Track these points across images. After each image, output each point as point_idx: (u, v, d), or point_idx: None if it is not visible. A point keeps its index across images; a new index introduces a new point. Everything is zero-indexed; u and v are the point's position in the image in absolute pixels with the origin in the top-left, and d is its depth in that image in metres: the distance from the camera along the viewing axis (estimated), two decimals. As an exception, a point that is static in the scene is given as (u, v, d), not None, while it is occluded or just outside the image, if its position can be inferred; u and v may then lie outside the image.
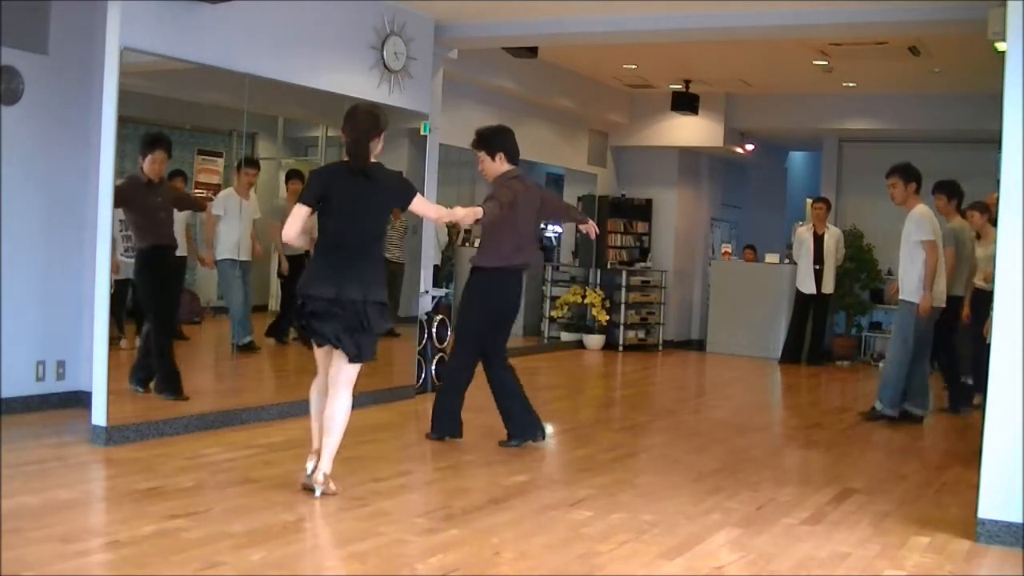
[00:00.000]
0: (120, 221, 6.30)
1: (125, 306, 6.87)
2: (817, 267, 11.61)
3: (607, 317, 12.49)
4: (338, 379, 4.92)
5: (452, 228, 11.86)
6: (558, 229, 14.05)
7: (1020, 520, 4.53)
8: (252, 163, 7.51)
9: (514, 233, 6.25)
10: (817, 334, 11.88)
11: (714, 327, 12.98)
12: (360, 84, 7.49)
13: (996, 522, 4.58)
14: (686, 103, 12.14)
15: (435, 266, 9.57)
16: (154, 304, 6.52)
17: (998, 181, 4.68)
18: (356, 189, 4.86)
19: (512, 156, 6.32)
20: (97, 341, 5.86)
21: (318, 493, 4.83)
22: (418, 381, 8.27)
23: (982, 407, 4.75)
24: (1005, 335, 4.61)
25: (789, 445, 7.34)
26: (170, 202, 6.68)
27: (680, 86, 12.11)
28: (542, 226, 11.35)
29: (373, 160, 4.95)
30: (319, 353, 5.01)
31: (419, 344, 8.33)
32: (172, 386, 6.42)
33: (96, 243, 5.93)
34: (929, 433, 7.77)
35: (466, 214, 5.66)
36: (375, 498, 4.93)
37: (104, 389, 5.78)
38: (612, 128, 13.44)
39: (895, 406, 7.85)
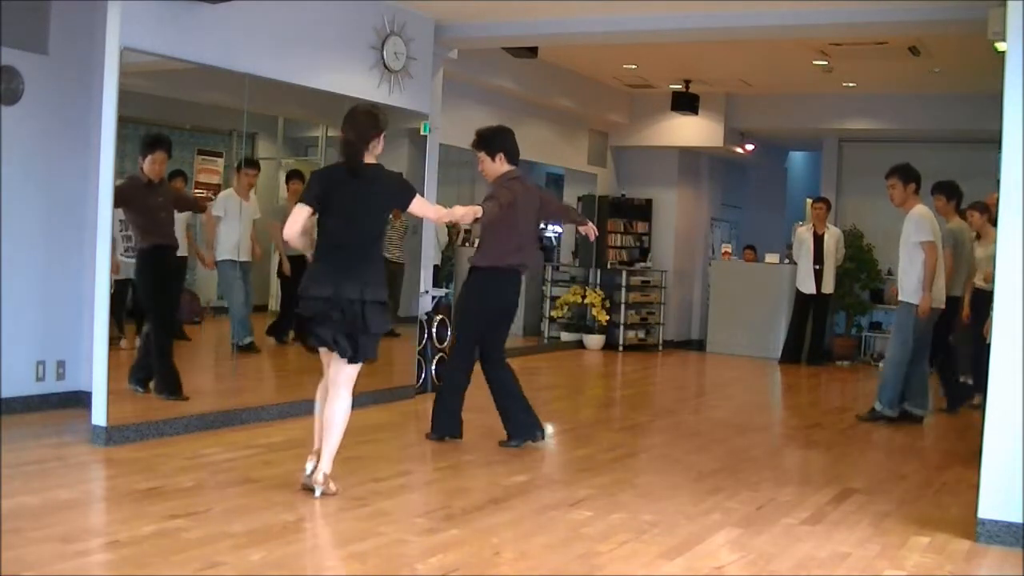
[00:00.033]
0: (120, 221, 6.31)
1: (125, 306, 6.88)
2: (817, 267, 11.61)
3: (607, 317, 12.49)
4: (337, 380, 4.93)
5: (452, 228, 11.86)
6: (558, 229, 14.05)
7: (1020, 520, 4.53)
8: (252, 164, 7.52)
9: (514, 233, 6.25)
10: (817, 334, 11.88)
11: (714, 327, 12.98)
12: (360, 84, 7.49)
13: (996, 522, 4.58)
14: (686, 103, 12.15)
15: (435, 266, 9.57)
16: (154, 304, 6.52)
17: (998, 181, 4.68)
18: (356, 190, 4.87)
19: (512, 157, 6.32)
20: (97, 341, 5.86)
21: (318, 493, 4.83)
22: (418, 381, 8.27)
23: (982, 407, 4.76)
24: (1005, 335, 4.61)
25: (789, 445, 7.34)
26: (170, 202, 6.68)
27: (680, 86, 12.11)
28: (542, 226, 11.34)
29: (373, 161, 4.96)
30: (323, 354, 5.01)
31: (419, 344, 8.33)
32: (171, 386, 6.42)
33: (96, 243, 5.93)
34: (929, 433, 7.78)
35: (465, 213, 5.66)
36: (375, 498, 4.93)
37: (104, 389, 5.78)
38: (612, 128, 13.44)
39: (894, 407, 7.85)
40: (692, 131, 13.10)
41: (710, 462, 6.22)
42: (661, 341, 13.30)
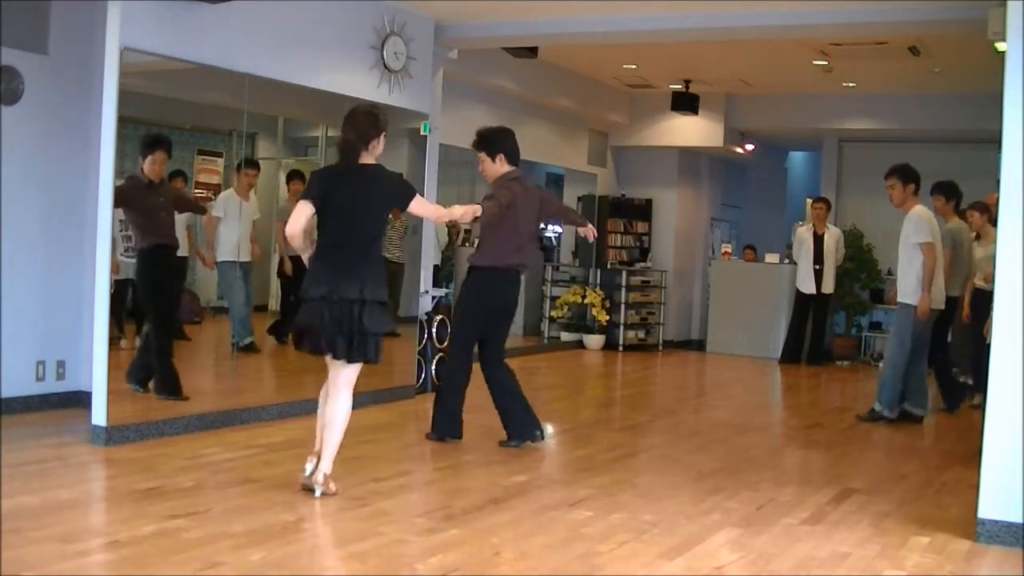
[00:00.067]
0: (120, 221, 6.31)
1: (125, 306, 6.88)
2: (817, 267, 11.61)
3: (607, 317, 12.49)
4: (337, 381, 4.93)
5: (452, 228, 11.86)
6: (558, 229, 14.05)
7: (1020, 520, 4.53)
8: (252, 164, 7.52)
9: (514, 233, 6.25)
10: (817, 334, 11.88)
11: (714, 327, 12.98)
12: (360, 84, 7.49)
13: (996, 522, 4.58)
14: (686, 103, 12.14)
15: (435, 266, 9.57)
16: (154, 304, 6.52)
17: (998, 181, 4.68)
18: (355, 190, 4.87)
19: (512, 157, 6.32)
20: (97, 341, 5.86)
21: (318, 493, 4.83)
22: (418, 381, 8.27)
23: (982, 407, 4.76)
24: (1005, 335, 4.61)
25: (789, 445, 7.34)
26: (171, 203, 6.68)
27: (680, 86, 12.11)
28: (542, 227, 11.34)
29: (373, 161, 4.96)
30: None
31: (419, 344, 8.33)
32: (171, 386, 6.42)
33: (96, 243, 5.93)
34: (929, 433, 7.78)
35: (464, 212, 5.66)
36: (375, 498, 4.93)
37: (104, 389, 5.78)
38: (612, 128, 13.44)
39: (893, 408, 7.85)
40: (692, 131, 13.10)
41: (710, 462, 6.22)
42: (661, 341, 13.30)
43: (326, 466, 4.85)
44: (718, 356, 12.57)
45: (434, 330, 8.41)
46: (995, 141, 4.72)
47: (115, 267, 6.14)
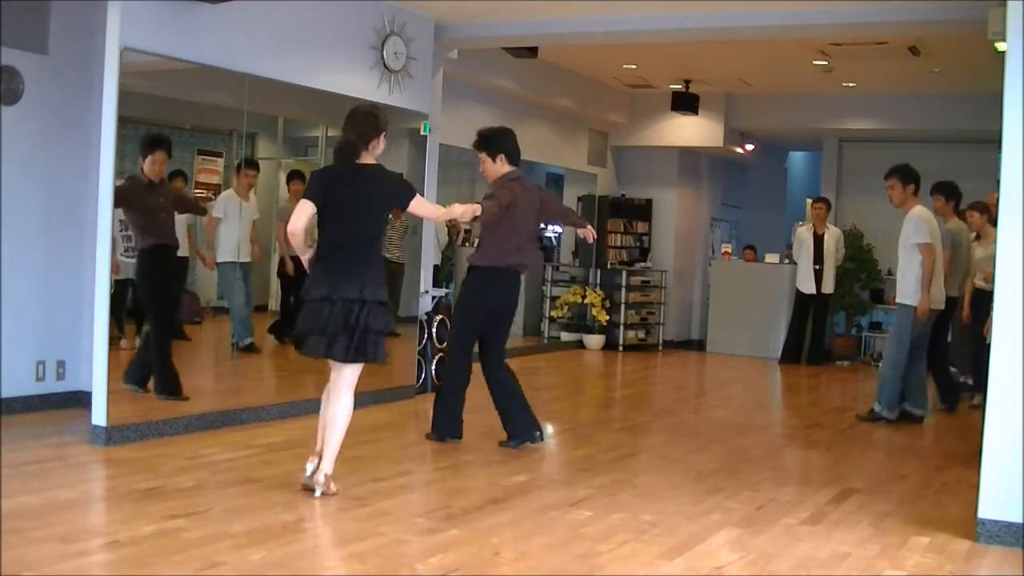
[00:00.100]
0: (120, 221, 6.31)
1: (125, 306, 6.88)
2: (817, 267, 11.61)
3: (607, 317, 12.49)
4: (339, 382, 4.94)
5: (452, 228, 11.86)
6: (558, 229, 14.05)
7: (1020, 520, 4.53)
8: (252, 164, 7.52)
9: (514, 234, 6.25)
10: (817, 334, 11.88)
11: (714, 327, 12.98)
12: (360, 84, 7.49)
13: (996, 522, 4.58)
14: (686, 103, 12.14)
15: (435, 266, 9.57)
16: (154, 304, 6.52)
17: (998, 181, 4.68)
18: (355, 190, 4.87)
19: (513, 158, 6.32)
20: (97, 341, 5.86)
21: (318, 493, 4.83)
22: (418, 381, 8.27)
23: (982, 407, 4.76)
24: (1005, 335, 4.61)
25: (789, 445, 7.34)
26: (171, 203, 6.68)
27: (680, 86, 12.11)
28: (542, 227, 11.35)
29: (373, 161, 4.96)
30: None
31: (419, 344, 8.33)
32: (171, 387, 6.42)
33: (96, 243, 5.93)
34: (929, 433, 7.78)
35: (464, 211, 5.65)
36: (375, 498, 4.93)
37: (104, 389, 5.78)
38: (612, 128, 13.44)
39: (893, 408, 7.85)
40: (692, 131, 13.10)
41: (710, 462, 6.22)
42: (661, 341, 13.30)
43: (327, 466, 4.86)
44: (718, 356, 12.57)
45: (434, 330, 8.41)
46: (995, 141, 4.72)
47: (115, 267, 6.14)
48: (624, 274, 12.80)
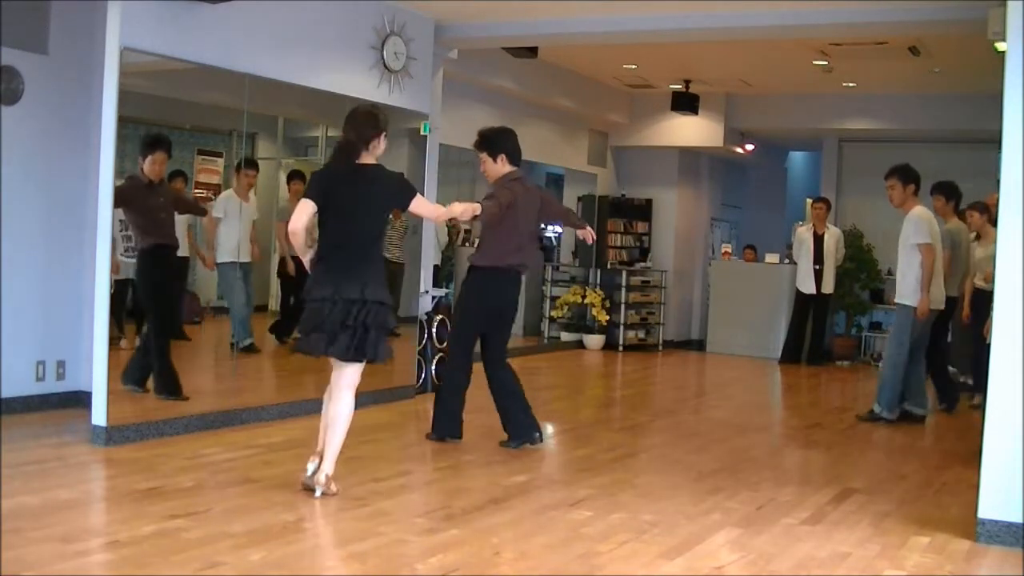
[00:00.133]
0: (120, 221, 6.31)
1: (125, 306, 6.88)
2: (817, 267, 11.61)
3: (607, 317, 12.49)
4: (339, 382, 4.94)
5: (452, 228, 11.86)
6: (558, 229, 14.06)
7: (1020, 520, 4.53)
8: (251, 164, 7.52)
9: (514, 233, 6.25)
10: (817, 334, 11.88)
11: (714, 327, 12.98)
12: (360, 84, 7.49)
13: (996, 522, 4.58)
14: (686, 103, 12.15)
15: (435, 266, 9.57)
16: (154, 304, 6.52)
17: (998, 181, 4.68)
18: (356, 190, 4.87)
19: (514, 158, 6.32)
20: (97, 341, 5.86)
21: (318, 493, 4.83)
22: (418, 381, 8.27)
23: (982, 407, 4.76)
24: (1005, 335, 4.61)
25: (789, 445, 7.34)
26: (171, 203, 6.68)
27: (680, 86, 12.11)
28: (542, 227, 11.36)
29: (374, 161, 4.96)
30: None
31: (419, 344, 8.33)
32: (171, 387, 6.42)
33: (96, 243, 5.93)
34: (929, 433, 7.78)
35: (464, 209, 5.64)
36: (375, 498, 4.93)
37: (104, 389, 5.78)
38: (612, 128, 13.44)
39: (893, 409, 7.85)
40: (692, 131, 13.10)
41: (710, 462, 6.22)
42: (661, 341, 13.30)
43: (328, 467, 4.86)
44: (718, 356, 12.57)
45: (434, 330, 8.41)
46: (995, 141, 4.72)
47: (115, 267, 6.14)
48: (624, 274, 12.80)
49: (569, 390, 9.86)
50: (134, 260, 6.52)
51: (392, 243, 8.65)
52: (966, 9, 6.75)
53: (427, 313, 8.49)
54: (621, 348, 12.63)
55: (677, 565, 4.14)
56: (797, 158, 16.52)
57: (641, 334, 13.00)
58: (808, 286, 11.65)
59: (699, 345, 13.54)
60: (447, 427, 6.35)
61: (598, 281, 12.92)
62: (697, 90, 12.17)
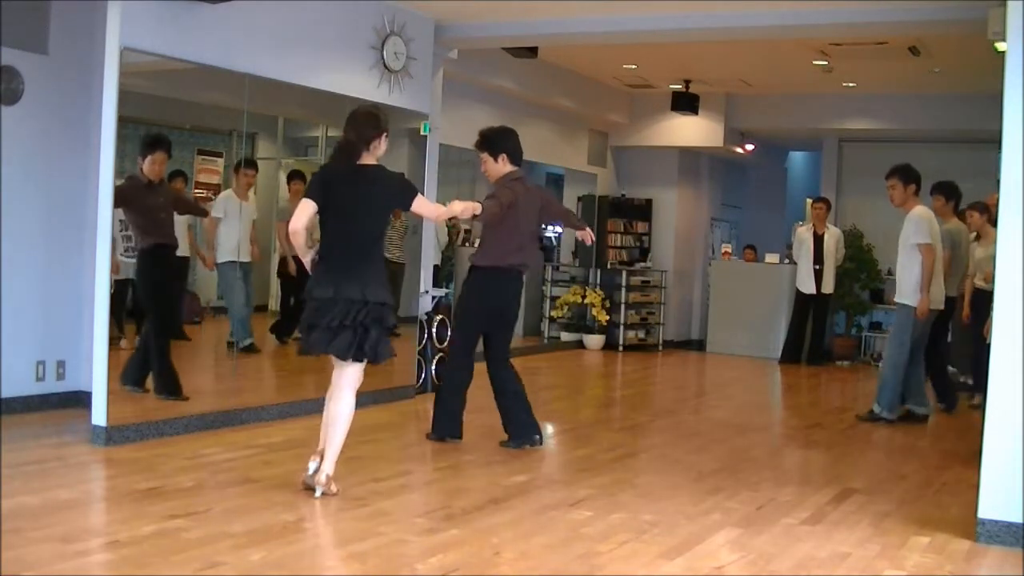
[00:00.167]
0: (120, 221, 6.31)
1: (125, 306, 6.88)
2: (817, 267, 11.61)
3: (607, 317, 12.49)
4: (340, 382, 4.94)
5: (452, 228, 11.86)
6: (558, 230, 14.06)
7: (1020, 520, 4.53)
8: (250, 164, 7.52)
9: (515, 233, 6.25)
10: (817, 334, 11.88)
11: (714, 327, 12.98)
12: (360, 84, 7.49)
13: (996, 522, 4.58)
14: (686, 103, 12.15)
15: (435, 266, 9.57)
16: (154, 304, 6.51)
17: (998, 181, 4.68)
18: (356, 190, 4.87)
19: (515, 158, 6.32)
20: (97, 341, 5.86)
21: (318, 493, 4.83)
22: (418, 381, 8.27)
23: (982, 407, 4.76)
24: (1005, 335, 4.61)
25: (789, 445, 7.34)
26: (170, 203, 6.68)
27: (680, 86, 12.11)
28: (542, 227, 11.37)
29: (375, 161, 4.97)
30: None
31: (419, 344, 8.33)
32: (171, 387, 6.42)
33: (96, 243, 5.93)
34: (929, 433, 7.77)
35: (464, 208, 5.63)
36: (375, 498, 4.93)
37: (104, 389, 5.78)
38: (612, 128, 13.44)
39: (893, 409, 7.84)
40: (692, 131, 13.10)
41: (710, 462, 6.22)
42: (661, 341, 13.30)
43: (328, 467, 4.86)
44: (718, 356, 12.57)
45: (434, 330, 8.41)
46: (995, 141, 4.72)
47: (115, 267, 6.14)
48: (624, 274, 12.80)
49: (569, 390, 9.87)
50: (134, 260, 6.52)
51: (392, 243, 8.65)
52: (966, 9, 6.75)
53: (427, 313, 8.49)
54: (621, 348, 12.63)
55: (677, 565, 4.14)
56: (797, 158, 16.52)
57: (641, 334, 13.00)
58: (808, 286, 11.65)
59: (699, 345, 13.54)
60: (447, 427, 6.35)
61: (598, 281, 12.92)
62: (697, 90, 12.17)
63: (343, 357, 4.87)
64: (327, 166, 5.11)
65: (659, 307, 13.26)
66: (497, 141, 6.30)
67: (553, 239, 14.23)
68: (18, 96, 6.37)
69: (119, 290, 6.65)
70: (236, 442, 6.06)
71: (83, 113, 6.71)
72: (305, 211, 4.84)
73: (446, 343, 8.34)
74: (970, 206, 8.68)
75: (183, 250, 7.02)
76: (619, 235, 13.60)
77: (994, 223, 5.05)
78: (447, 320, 8.51)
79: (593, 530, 4.57)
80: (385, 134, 4.96)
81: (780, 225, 15.09)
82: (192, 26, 6.10)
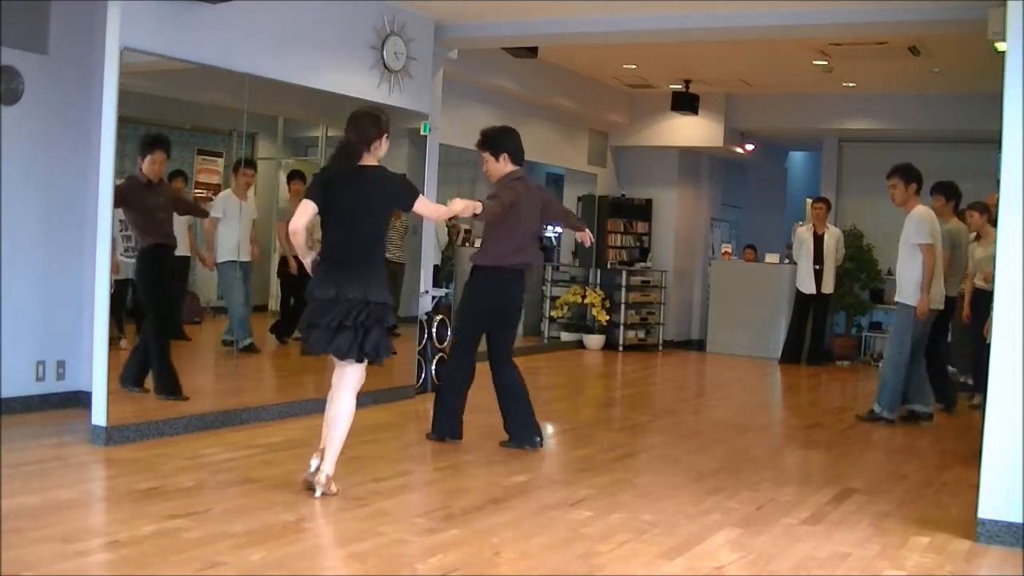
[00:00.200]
0: (120, 221, 6.31)
1: (125, 306, 6.88)
2: (817, 267, 11.61)
3: (607, 317, 12.50)
4: (340, 382, 4.94)
5: (452, 228, 11.86)
6: (558, 229, 14.06)
7: (1020, 520, 4.53)
8: (249, 164, 7.52)
9: (517, 233, 6.25)
10: (817, 334, 11.88)
11: (714, 327, 12.98)
12: (360, 84, 7.49)
13: (996, 522, 4.58)
14: (686, 103, 12.15)
15: (435, 266, 9.57)
16: (154, 304, 6.51)
17: (998, 181, 4.68)
18: (357, 191, 4.87)
19: (516, 157, 6.31)
20: (97, 341, 5.86)
21: (318, 493, 4.83)
22: (418, 381, 8.27)
23: (982, 407, 4.76)
24: (1005, 335, 4.61)
25: (789, 445, 7.34)
26: (170, 203, 6.68)
27: (680, 86, 12.11)
28: (543, 226, 11.36)
29: (376, 162, 4.97)
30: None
31: (419, 344, 8.33)
32: (171, 387, 6.42)
33: (96, 243, 5.93)
34: (929, 433, 7.76)
35: (465, 206, 5.63)
36: (375, 498, 4.93)
37: (104, 389, 5.78)
38: (612, 128, 13.44)
39: (893, 409, 7.84)
40: (692, 131, 13.10)
41: (710, 462, 6.22)
42: (661, 341, 13.30)
43: (328, 467, 4.86)
44: (718, 356, 12.57)
45: (434, 330, 8.41)
46: (995, 141, 4.72)
47: (115, 267, 6.14)
48: (624, 274, 12.80)
49: (569, 390, 9.86)
50: (134, 260, 6.52)
51: (392, 243, 8.64)
52: (966, 9, 6.75)
53: (427, 313, 8.49)
54: (621, 348, 12.63)
55: (677, 565, 4.14)
56: (797, 158, 16.52)
57: (641, 334, 13.00)
58: (808, 286, 11.65)
59: (699, 345, 13.55)
60: (447, 427, 6.35)
61: (598, 281, 12.93)
62: (697, 90, 12.17)
63: (343, 357, 4.87)
64: (328, 167, 5.11)
65: (659, 307, 13.27)
66: (499, 141, 6.30)
67: (553, 239, 14.23)
68: (18, 96, 6.37)
69: (119, 290, 6.64)
70: (236, 442, 6.06)
71: (83, 113, 6.71)
72: (305, 212, 4.85)
73: (446, 343, 8.34)
74: (970, 206, 8.68)
75: (183, 250, 7.02)
76: (619, 235, 13.60)
77: (994, 223, 5.05)
78: (447, 320, 8.51)
79: (593, 530, 4.57)
80: (386, 135, 4.97)
81: (780, 225, 15.09)
82: (192, 26, 6.10)
